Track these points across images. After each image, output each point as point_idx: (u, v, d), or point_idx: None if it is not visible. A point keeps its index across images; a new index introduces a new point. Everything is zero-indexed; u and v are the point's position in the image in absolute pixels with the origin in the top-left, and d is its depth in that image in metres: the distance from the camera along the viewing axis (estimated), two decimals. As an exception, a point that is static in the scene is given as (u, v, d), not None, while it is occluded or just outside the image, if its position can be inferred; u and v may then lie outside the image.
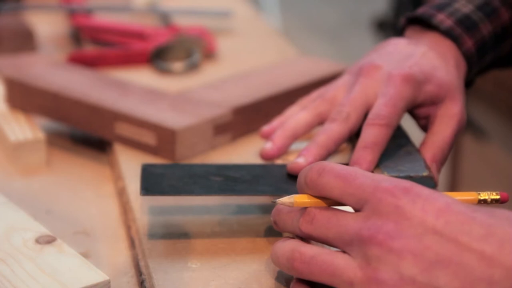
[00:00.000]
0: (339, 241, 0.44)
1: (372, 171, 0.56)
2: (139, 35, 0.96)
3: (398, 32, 0.69)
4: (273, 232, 0.55)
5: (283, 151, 0.60)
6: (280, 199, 0.47)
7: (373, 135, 0.57)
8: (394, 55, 0.62)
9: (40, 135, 0.69)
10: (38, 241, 0.50)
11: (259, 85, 0.76)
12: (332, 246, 0.45)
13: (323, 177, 0.46)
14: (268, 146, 0.60)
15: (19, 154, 0.68)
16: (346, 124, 0.59)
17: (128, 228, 0.58)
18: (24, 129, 0.70)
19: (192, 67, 0.89)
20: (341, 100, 0.61)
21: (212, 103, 0.70)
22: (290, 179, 0.56)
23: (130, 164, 0.65)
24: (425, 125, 0.63)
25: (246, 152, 0.68)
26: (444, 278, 0.40)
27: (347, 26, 3.60)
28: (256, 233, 0.55)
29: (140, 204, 0.59)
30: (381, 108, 0.58)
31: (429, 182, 0.56)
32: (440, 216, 0.41)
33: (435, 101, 0.61)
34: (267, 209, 0.58)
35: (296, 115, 0.62)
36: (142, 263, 0.52)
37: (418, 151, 0.59)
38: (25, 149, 0.68)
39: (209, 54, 0.94)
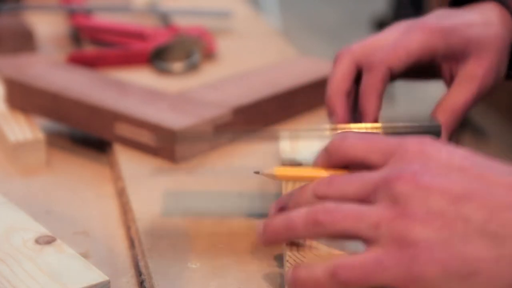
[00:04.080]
0: (361, 192, 0.43)
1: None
2: (139, 35, 0.96)
3: None
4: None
5: (346, 114, 0.59)
6: (262, 171, 0.48)
7: (367, 81, 0.57)
8: (429, 15, 0.61)
9: (40, 135, 0.69)
10: (38, 241, 0.50)
11: (259, 85, 0.76)
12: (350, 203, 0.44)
13: (346, 140, 0.46)
14: (332, 120, 0.60)
15: (19, 154, 0.68)
16: (348, 57, 0.59)
17: (127, 228, 0.58)
18: (24, 130, 0.70)
19: (192, 67, 0.89)
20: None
21: (212, 103, 0.70)
22: None
23: (130, 165, 0.65)
24: (450, 85, 0.60)
25: (246, 153, 0.68)
26: (471, 208, 0.40)
27: (347, 26, 3.60)
28: (255, 232, 0.55)
29: (139, 204, 0.59)
30: (380, 52, 0.58)
31: (436, 130, 0.55)
32: (465, 159, 0.42)
33: (458, 58, 0.58)
34: (267, 209, 0.58)
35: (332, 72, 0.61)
36: (141, 263, 0.52)
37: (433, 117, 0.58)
38: (25, 149, 0.68)
39: (209, 54, 0.94)
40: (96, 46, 0.98)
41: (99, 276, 0.46)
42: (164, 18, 1.08)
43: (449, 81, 0.60)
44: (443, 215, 0.40)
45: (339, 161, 0.47)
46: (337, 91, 0.60)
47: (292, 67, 0.82)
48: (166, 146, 0.65)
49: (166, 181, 0.63)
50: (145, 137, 0.67)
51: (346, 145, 0.46)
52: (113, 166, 0.68)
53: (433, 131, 0.56)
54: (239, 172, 0.65)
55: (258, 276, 0.50)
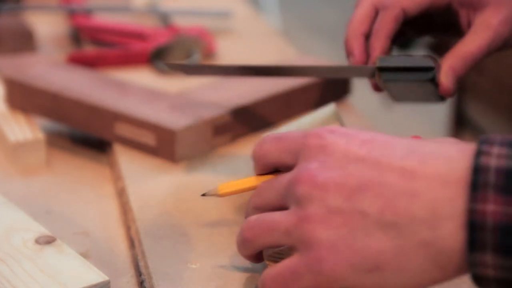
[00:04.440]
0: (278, 198, 0.44)
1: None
2: (139, 36, 0.96)
3: None
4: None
5: (363, 54, 0.61)
6: (207, 191, 0.50)
7: (378, 22, 0.59)
8: None
9: (40, 136, 0.69)
10: (37, 241, 0.50)
11: (259, 85, 0.76)
12: (271, 210, 0.45)
13: (263, 144, 0.47)
14: (350, 60, 0.61)
15: (19, 154, 0.68)
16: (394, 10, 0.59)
17: (127, 228, 0.58)
18: (24, 130, 0.70)
19: (192, 68, 0.89)
20: None
21: (211, 103, 0.70)
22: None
23: (129, 165, 0.65)
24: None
25: (246, 153, 0.68)
26: (367, 200, 0.40)
27: (346, 27, 3.60)
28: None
29: (139, 204, 0.59)
30: None
31: (429, 61, 0.57)
32: (363, 146, 0.42)
33: (476, 6, 0.58)
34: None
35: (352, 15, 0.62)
36: (141, 264, 0.52)
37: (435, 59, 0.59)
38: (25, 150, 0.68)
39: (209, 54, 0.94)
40: (96, 46, 0.98)
41: (99, 276, 0.46)
42: (164, 18, 1.08)
43: (467, 30, 0.59)
44: (341, 212, 0.40)
45: (264, 167, 0.47)
46: (356, 32, 0.61)
47: (292, 67, 0.82)
48: (166, 146, 0.65)
49: (166, 181, 0.63)
50: (145, 137, 0.67)
51: (263, 150, 0.47)
52: (113, 166, 0.68)
53: (425, 65, 0.57)
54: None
55: (258, 276, 0.50)
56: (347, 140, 0.42)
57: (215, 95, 0.73)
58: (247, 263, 0.51)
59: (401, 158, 0.40)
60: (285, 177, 0.44)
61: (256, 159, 0.48)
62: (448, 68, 0.57)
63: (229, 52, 0.96)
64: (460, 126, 1.74)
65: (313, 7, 3.86)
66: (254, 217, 0.45)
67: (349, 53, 0.61)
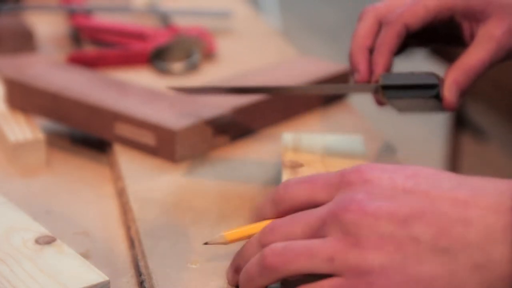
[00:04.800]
0: (308, 230, 0.43)
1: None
2: (139, 36, 0.96)
3: None
4: (273, 233, 0.55)
5: (369, 70, 0.59)
6: (211, 240, 0.48)
7: (382, 36, 0.58)
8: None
9: (40, 136, 0.69)
10: (37, 241, 0.50)
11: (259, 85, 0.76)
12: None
13: (289, 188, 0.46)
14: (355, 76, 0.60)
15: (18, 155, 0.68)
16: (372, 14, 0.59)
17: (127, 228, 0.58)
18: (24, 130, 0.70)
19: (192, 68, 0.89)
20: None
21: (211, 103, 0.70)
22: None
23: (129, 165, 0.65)
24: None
25: (246, 153, 0.68)
26: (420, 227, 0.40)
27: (346, 26, 3.60)
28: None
29: (139, 204, 0.59)
30: (399, 8, 0.58)
31: (432, 78, 0.56)
32: (408, 179, 0.42)
33: (479, 18, 0.57)
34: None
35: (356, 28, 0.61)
36: (141, 264, 0.52)
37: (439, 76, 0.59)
38: (24, 150, 0.68)
39: (209, 55, 0.94)
40: (96, 46, 0.98)
41: (99, 276, 0.46)
42: (164, 18, 1.08)
43: (470, 41, 0.59)
44: (393, 239, 0.40)
45: (287, 209, 0.46)
46: (360, 47, 0.60)
47: (291, 67, 0.82)
48: (166, 146, 0.65)
49: (166, 181, 0.63)
50: (145, 137, 0.67)
51: (290, 192, 0.46)
52: (113, 166, 0.68)
53: (429, 83, 0.57)
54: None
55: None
56: (390, 175, 0.43)
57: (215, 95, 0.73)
58: (247, 263, 0.51)
59: (450, 189, 0.41)
60: (321, 210, 0.43)
61: (280, 201, 0.47)
62: (452, 82, 0.57)
63: (229, 52, 0.96)
64: (460, 127, 1.75)
65: (313, 7, 3.86)
66: (280, 244, 0.43)
67: (354, 68, 0.60)
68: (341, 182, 0.44)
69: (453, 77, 0.57)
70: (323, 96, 0.79)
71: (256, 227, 0.47)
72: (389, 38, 0.58)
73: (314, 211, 0.44)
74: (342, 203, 0.42)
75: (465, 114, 1.73)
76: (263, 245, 0.45)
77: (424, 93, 0.57)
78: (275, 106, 0.74)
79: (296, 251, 0.42)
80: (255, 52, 0.98)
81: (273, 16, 3.02)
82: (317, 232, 0.43)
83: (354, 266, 0.41)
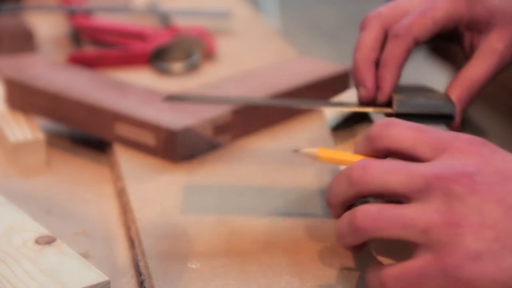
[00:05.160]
0: (406, 186, 0.41)
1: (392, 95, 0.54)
2: (139, 36, 0.96)
3: None
4: (273, 233, 0.55)
5: (375, 86, 0.55)
6: (303, 149, 0.45)
7: (390, 50, 0.54)
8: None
9: (40, 136, 0.69)
10: (37, 241, 0.50)
11: (259, 85, 0.76)
12: (390, 196, 0.42)
13: (392, 128, 0.43)
14: (361, 92, 0.56)
15: (19, 155, 0.68)
16: (376, 22, 0.56)
17: (127, 228, 0.58)
18: (24, 130, 0.70)
19: (192, 68, 0.89)
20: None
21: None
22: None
23: (129, 165, 0.65)
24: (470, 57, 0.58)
25: (246, 153, 0.68)
26: None
27: (346, 27, 3.60)
28: (256, 233, 0.55)
29: (139, 204, 0.59)
30: (406, 19, 0.54)
31: (449, 106, 0.54)
32: None
33: (481, 29, 0.56)
34: (267, 210, 0.58)
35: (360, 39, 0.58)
36: (141, 264, 0.52)
37: (439, 92, 0.56)
38: (24, 150, 0.68)
39: (209, 55, 0.94)
40: (96, 47, 0.98)
41: (99, 276, 0.46)
42: (164, 19, 1.08)
43: (469, 51, 0.57)
44: (496, 227, 0.39)
45: (381, 149, 0.44)
46: (366, 60, 0.56)
47: (291, 68, 0.82)
48: (166, 146, 0.65)
49: (166, 181, 0.63)
50: (145, 137, 0.67)
51: (391, 133, 0.43)
52: (113, 166, 0.68)
53: (447, 113, 0.54)
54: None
55: (258, 276, 0.50)
56: (502, 156, 0.41)
57: (215, 95, 0.73)
58: (247, 264, 0.51)
59: None
60: (425, 167, 0.41)
61: (376, 138, 0.44)
62: (456, 101, 0.55)
63: (229, 53, 0.96)
64: (461, 126, 1.74)
65: (313, 7, 3.86)
66: (375, 207, 0.41)
67: (360, 83, 0.56)
68: (451, 145, 0.41)
69: (457, 95, 0.55)
70: (323, 95, 0.79)
71: (350, 157, 0.45)
72: (399, 53, 0.54)
73: (418, 166, 0.41)
74: (452, 169, 0.40)
75: (466, 113, 1.72)
76: (352, 183, 0.43)
77: (440, 121, 0.55)
78: (274, 107, 0.74)
79: (391, 219, 0.40)
80: (255, 52, 0.98)
81: (273, 16, 3.02)
82: (415, 192, 0.41)
83: (448, 245, 0.39)
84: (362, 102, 0.56)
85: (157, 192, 0.61)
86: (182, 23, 1.05)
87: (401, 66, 0.55)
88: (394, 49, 0.54)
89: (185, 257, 0.52)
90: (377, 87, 0.55)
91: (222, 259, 0.52)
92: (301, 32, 3.43)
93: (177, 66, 0.89)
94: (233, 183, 0.63)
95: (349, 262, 0.51)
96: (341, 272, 0.50)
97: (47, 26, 1.06)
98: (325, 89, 0.80)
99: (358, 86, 0.56)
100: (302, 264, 0.51)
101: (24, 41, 0.92)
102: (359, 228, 0.41)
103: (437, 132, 0.43)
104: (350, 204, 0.44)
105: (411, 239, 0.40)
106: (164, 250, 0.53)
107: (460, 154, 0.41)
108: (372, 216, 0.41)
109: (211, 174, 0.64)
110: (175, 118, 0.67)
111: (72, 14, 1.05)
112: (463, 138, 0.42)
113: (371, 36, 0.56)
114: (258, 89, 0.75)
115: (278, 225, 0.56)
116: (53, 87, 0.72)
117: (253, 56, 0.96)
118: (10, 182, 0.66)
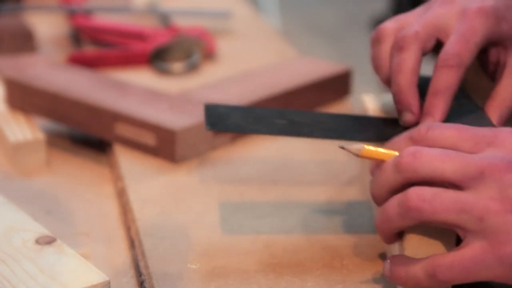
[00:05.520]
0: (460, 174, 0.41)
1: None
2: (139, 36, 0.96)
3: None
4: (274, 232, 0.55)
5: (419, 110, 0.54)
6: (348, 146, 0.46)
7: (443, 79, 0.53)
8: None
9: (40, 136, 0.69)
10: (38, 241, 0.50)
11: (259, 85, 0.76)
12: (440, 184, 0.42)
13: (434, 130, 0.44)
14: (406, 117, 0.55)
15: (19, 155, 0.68)
16: (417, 43, 0.54)
17: (127, 228, 0.58)
18: (24, 130, 0.70)
19: (192, 68, 0.89)
20: (412, 22, 0.57)
21: (211, 103, 0.70)
22: (355, 127, 0.54)
23: (129, 165, 0.65)
24: (493, 72, 0.57)
25: (245, 153, 0.68)
26: None
27: (346, 27, 3.60)
28: (256, 233, 0.55)
29: (140, 204, 0.59)
30: (452, 46, 0.53)
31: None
32: None
33: (506, 45, 0.55)
34: (267, 210, 0.58)
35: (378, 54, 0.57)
36: (141, 264, 0.52)
37: (482, 110, 0.55)
38: (25, 150, 0.68)
39: (209, 55, 0.94)
40: (96, 47, 0.98)
41: (99, 277, 0.46)
42: (164, 19, 1.08)
43: (494, 67, 0.57)
44: None
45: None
46: (411, 84, 0.54)
47: (291, 68, 0.82)
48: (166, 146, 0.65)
49: (166, 181, 0.63)
50: (145, 137, 0.67)
51: (433, 135, 0.44)
52: (113, 166, 0.68)
53: None
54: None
55: (258, 276, 0.50)
56: None
57: (215, 95, 0.73)
58: (246, 264, 0.51)
59: None
60: (479, 156, 0.42)
61: (420, 139, 0.45)
62: (498, 122, 0.55)
63: (229, 53, 0.96)
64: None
65: (313, 8, 3.87)
66: (431, 190, 0.42)
67: (406, 108, 0.54)
68: (495, 139, 0.42)
69: (497, 117, 0.55)
70: (323, 96, 0.79)
71: (392, 156, 0.45)
72: (453, 83, 0.53)
73: (471, 156, 0.42)
74: (505, 160, 0.41)
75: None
76: (400, 170, 0.43)
77: None
78: (275, 106, 0.74)
79: (447, 202, 0.41)
80: (255, 53, 0.98)
81: (273, 16, 3.02)
82: (468, 180, 0.41)
83: (505, 233, 0.40)
84: (406, 126, 0.55)
85: (157, 192, 0.61)
86: (182, 23, 1.05)
87: (454, 95, 0.54)
88: (448, 79, 0.53)
89: (185, 257, 0.52)
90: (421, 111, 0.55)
91: (222, 259, 0.52)
92: (301, 32, 3.43)
93: (177, 66, 0.89)
94: (233, 183, 0.63)
95: (349, 262, 0.51)
96: (341, 272, 0.50)
97: (47, 26, 1.06)
98: (325, 89, 0.80)
99: (402, 110, 0.55)
100: (302, 264, 0.51)
101: (24, 41, 0.92)
102: (413, 209, 0.42)
103: (479, 129, 0.44)
104: (397, 192, 0.44)
105: (466, 225, 0.41)
106: (164, 250, 0.53)
107: (506, 146, 0.42)
108: (428, 198, 0.41)
109: (211, 174, 0.64)
110: (175, 118, 0.67)
111: (72, 14, 1.05)
112: (506, 131, 0.43)
113: (412, 58, 0.54)
114: (258, 89, 0.75)
115: (278, 225, 0.56)
116: (53, 87, 0.72)
117: (253, 56, 0.96)
118: (10, 182, 0.66)
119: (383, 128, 0.55)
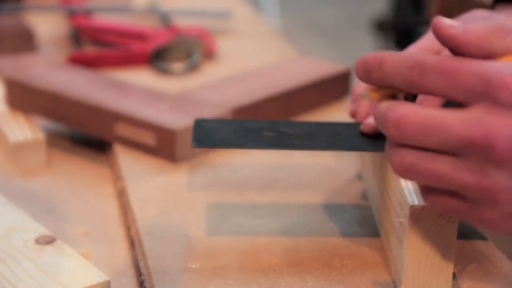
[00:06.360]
0: (441, 147, 0.41)
1: None
2: (139, 36, 0.96)
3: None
4: (273, 232, 0.55)
5: None
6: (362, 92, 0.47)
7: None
8: (468, 16, 0.58)
9: (40, 136, 0.69)
10: (38, 241, 0.50)
11: (259, 85, 0.76)
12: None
13: (425, 77, 0.42)
14: (368, 121, 0.55)
15: (19, 155, 0.68)
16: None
17: (128, 228, 0.58)
18: (24, 130, 0.70)
19: (192, 68, 0.89)
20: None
21: (211, 103, 0.70)
22: (344, 136, 0.55)
23: (129, 165, 0.65)
24: None
25: (245, 153, 0.68)
26: None
27: (346, 27, 3.60)
28: (256, 233, 0.55)
29: (140, 204, 0.59)
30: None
31: None
32: None
33: None
34: (266, 209, 0.58)
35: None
36: (142, 264, 0.52)
37: None
38: (25, 150, 0.68)
39: (209, 55, 0.94)
40: (96, 47, 0.98)
41: (99, 276, 0.46)
42: (164, 19, 1.08)
43: None
44: None
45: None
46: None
47: (291, 68, 0.82)
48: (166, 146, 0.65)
49: (166, 181, 0.63)
50: (145, 137, 0.67)
51: (424, 83, 0.42)
52: (113, 166, 0.68)
53: None
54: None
55: (258, 276, 0.50)
56: None
57: (215, 95, 0.73)
58: (246, 264, 0.51)
59: None
60: (460, 129, 0.41)
61: (411, 87, 0.43)
62: None
63: (229, 53, 0.96)
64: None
65: (313, 8, 3.87)
66: (410, 158, 0.42)
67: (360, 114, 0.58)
68: (485, 92, 0.40)
69: None
70: (323, 96, 0.79)
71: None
72: None
73: (452, 126, 0.41)
74: (490, 132, 0.39)
75: None
76: (386, 133, 0.43)
77: None
78: (275, 106, 0.74)
79: (425, 173, 0.42)
80: (255, 52, 0.98)
81: (273, 16, 3.02)
82: (449, 151, 0.41)
83: (483, 205, 0.41)
84: None
85: (157, 192, 0.61)
86: (182, 23, 1.05)
87: None
88: None
89: (185, 257, 0.52)
90: None
91: (222, 259, 0.52)
92: (301, 32, 3.43)
93: (177, 66, 0.89)
94: (233, 184, 0.63)
95: (349, 262, 0.51)
96: (341, 272, 0.50)
97: (47, 26, 1.06)
98: (325, 89, 0.80)
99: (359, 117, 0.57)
100: (302, 264, 0.51)
101: (24, 41, 0.92)
102: (396, 172, 0.43)
103: (471, 76, 0.41)
104: None
105: (445, 188, 0.42)
106: (164, 250, 0.53)
107: (500, 108, 0.40)
108: (406, 167, 0.43)
109: (211, 174, 0.64)
110: (175, 118, 0.67)
111: (72, 14, 1.05)
112: (496, 82, 0.40)
113: None
114: (258, 89, 0.75)
115: (277, 225, 0.56)
116: (53, 87, 0.72)
117: (253, 56, 0.96)
118: (10, 182, 0.66)
119: (372, 136, 0.55)
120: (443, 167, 0.41)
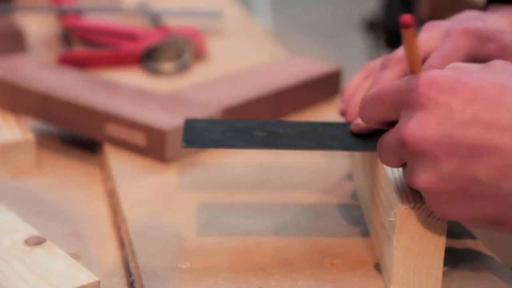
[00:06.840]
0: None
1: None
2: (130, 36, 0.96)
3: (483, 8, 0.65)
4: (264, 232, 0.55)
5: None
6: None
7: None
8: (461, 17, 0.60)
9: (30, 136, 0.69)
10: (27, 242, 0.50)
11: (250, 85, 0.76)
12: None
13: (367, 106, 0.49)
14: (358, 121, 0.56)
15: (8, 156, 0.68)
16: (400, 66, 0.57)
17: (118, 229, 0.58)
18: (14, 130, 0.70)
19: (183, 68, 0.89)
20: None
21: (202, 103, 0.70)
22: (334, 136, 0.55)
23: (120, 165, 0.65)
24: None
25: (236, 153, 0.68)
26: (480, 169, 0.42)
27: (337, 27, 3.60)
28: (246, 233, 0.55)
29: (130, 205, 0.59)
30: (434, 60, 0.56)
31: None
32: (467, 106, 0.43)
33: None
34: (258, 209, 0.58)
35: (362, 85, 0.61)
36: (132, 264, 0.52)
37: None
38: (14, 151, 0.68)
39: (200, 55, 0.94)
40: (86, 47, 0.97)
41: (89, 277, 0.46)
42: (155, 19, 1.07)
43: None
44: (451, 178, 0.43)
45: (373, 124, 0.50)
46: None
47: (282, 68, 0.82)
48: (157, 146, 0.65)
49: (157, 182, 0.63)
50: (135, 137, 0.67)
51: (368, 112, 0.49)
52: (103, 166, 0.68)
53: None
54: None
55: (248, 276, 0.50)
56: (448, 98, 0.43)
57: (206, 95, 0.73)
58: (237, 264, 0.51)
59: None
60: (394, 134, 0.46)
61: (367, 115, 0.49)
62: None
63: (220, 53, 0.96)
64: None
65: (304, 8, 3.87)
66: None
67: (350, 115, 0.60)
68: (407, 101, 0.45)
69: None
70: (313, 95, 0.79)
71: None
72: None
73: (391, 135, 0.46)
74: (403, 131, 0.44)
75: None
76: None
77: None
78: (266, 106, 0.74)
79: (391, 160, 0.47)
80: (246, 53, 0.98)
81: (264, 17, 3.02)
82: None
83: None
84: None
85: (148, 192, 0.61)
86: (172, 23, 1.04)
87: None
88: None
89: (175, 257, 0.52)
90: None
91: (212, 259, 0.52)
92: (292, 32, 3.43)
93: (168, 66, 0.89)
94: (223, 183, 0.63)
95: (340, 261, 0.51)
96: (331, 272, 0.50)
97: (37, 26, 1.06)
98: (315, 88, 0.80)
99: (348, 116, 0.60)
100: (292, 264, 0.51)
101: (14, 42, 0.92)
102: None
103: (396, 94, 0.47)
104: None
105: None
106: (155, 250, 0.53)
107: (410, 108, 0.45)
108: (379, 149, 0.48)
109: (201, 174, 0.64)
110: (165, 118, 0.66)
111: (62, 14, 1.05)
112: (412, 89, 0.45)
113: (392, 76, 0.58)
114: (249, 89, 0.75)
115: (268, 224, 0.56)
116: (43, 87, 0.72)
117: (244, 57, 0.96)
118: None
119: (362, 136, 0.55)
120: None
